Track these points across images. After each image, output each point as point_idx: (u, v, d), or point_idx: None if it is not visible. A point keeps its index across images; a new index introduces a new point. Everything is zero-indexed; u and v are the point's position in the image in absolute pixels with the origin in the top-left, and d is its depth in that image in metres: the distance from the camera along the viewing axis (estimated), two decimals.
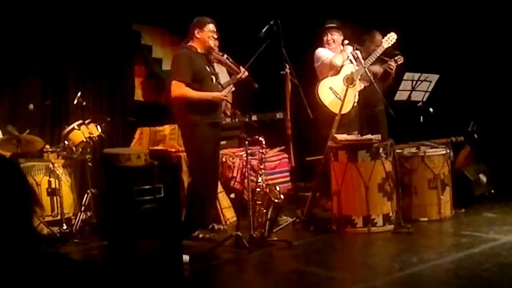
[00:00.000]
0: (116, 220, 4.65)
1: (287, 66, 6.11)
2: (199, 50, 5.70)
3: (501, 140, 7.37)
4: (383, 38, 6.58)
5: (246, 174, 5.64)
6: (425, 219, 6.01)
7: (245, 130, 6.31)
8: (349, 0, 7.82)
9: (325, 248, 5.37)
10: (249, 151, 5.56)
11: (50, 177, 5.94)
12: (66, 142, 6.05)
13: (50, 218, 5.86)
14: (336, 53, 6.56)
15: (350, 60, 6.51)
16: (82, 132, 5.99)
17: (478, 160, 7.13)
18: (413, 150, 6.23)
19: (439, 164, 6.12)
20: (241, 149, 6.50)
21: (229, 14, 7.73)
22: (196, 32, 5.67)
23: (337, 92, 6.40)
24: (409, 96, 6.78)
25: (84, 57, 7.35)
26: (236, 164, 6.49)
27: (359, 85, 6.52)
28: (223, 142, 6.30)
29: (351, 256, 5.24)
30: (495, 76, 7.44)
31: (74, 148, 6.06)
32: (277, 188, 5.47)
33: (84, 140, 5.99)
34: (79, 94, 6.28)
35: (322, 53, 6.65)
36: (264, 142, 5.48)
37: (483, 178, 6.75)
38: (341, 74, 6.48)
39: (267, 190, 5.35)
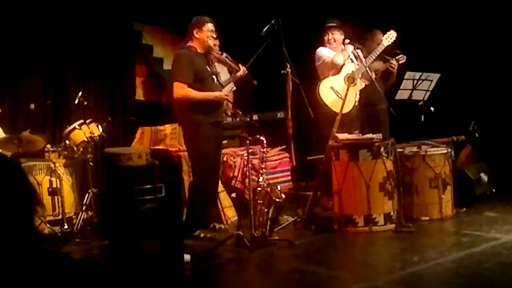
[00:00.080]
0: (117, 219, 4.65)
1: (288, 66, 6.11)
2: (198, 50, 5.69)
3: (502, 139, 7.37)
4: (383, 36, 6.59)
5: (247, 173, 5.64)
6: (426, 218, 6.01)
7: (246, 130, 6.31)
8: None
9: (326, 248, 5.37)
10: (250, 151, 5.57)
11: (51, 177, 5.95)
12: (67, 142, 6.05)
13: (51, 218, 5.87)
14: (337, 52, 6.57)
15: (351, 59, 6.51)
16: (83, 131, 5.99)
17: (479, 159, 7.13)
18: (414, 149, 6.23)
19: (440, 163, 6.12)
20: (242, 148, 6.50)
21: (230, 13, 7.74)
22: (195, 32, 5.67)
23: (338, 91, 6.40)
24: (410, 95, 6.78)
25: (85, 56, 7.36)
26: (237, 164, 6.49)
27: (360, 84, 6.52)
28: (224, 142, 6.30)
29: (352, 255, 5.24)
30: (496, 75, 7.44)
31: (75, 148, 6.06)
32: (278, 187, 5.46)
33: (85, 139, 5.99)
34: (80, 93, 6.29)
35: (323, 52, 6.65)
36: (265, 142, 5.49)
37: (484, 177, 6.75)
38: (342, 74, 6.49)
39: (268, 189, 5.35)
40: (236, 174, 6.48)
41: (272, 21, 6.04)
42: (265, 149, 5.56)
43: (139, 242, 4.47)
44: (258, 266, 5.03)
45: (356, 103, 6.53)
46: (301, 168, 6.79)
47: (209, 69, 5.77)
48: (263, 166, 5.52)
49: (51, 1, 6.96)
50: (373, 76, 6.51)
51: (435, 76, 6.77)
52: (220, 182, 6.20)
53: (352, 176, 5.68)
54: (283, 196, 5.34)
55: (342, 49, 6.56)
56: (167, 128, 6.87)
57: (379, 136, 5.87)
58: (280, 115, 7.07)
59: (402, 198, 5.86)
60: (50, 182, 5.92)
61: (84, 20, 7.21)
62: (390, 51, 6.82)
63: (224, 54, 6.08)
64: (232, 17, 7.78)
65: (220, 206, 6.21)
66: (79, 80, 7.31)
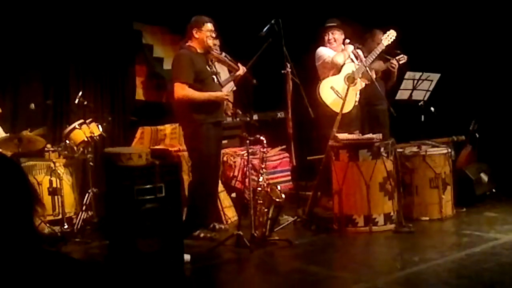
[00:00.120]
0: (117, 219, 4.65)
1: (288, 65, 6.11)
2: (198, 50, 5.69)
3: (502, 139, 7.36)
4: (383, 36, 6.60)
5: (247, 173, 5.64)
6: (426, 218, 6.01)
7: (246, 130, 6.32)
8: None
9: (326, 248, 5.37)
10: (250, 151, 5.57)
11: (51, 177, 5.95)
12: (67, 142, 6.05)
13: (51, 218, 5.87)
14: (337, 52, 6.57)
15: (351, 59, 6.51)
16: (83, 131, 5.99)
17: (479, 159, 7.13)
18: (414, 149, 6.23)
19: (440, 163, 6.12)
20: (242, 148, 6.50)
21: (230, 13, 7.74)
22: (194, 32, 5.67)
23: (338, 91, 6.40)
24: (410, 95, 6.78)
25: (85, 56, 7.36)
26: (237, 164, 6.49)
27: (360, 84, 6.51)
28: (224, 142, 6.30)
29: (352, 255, 5.23)
30: (496, 75, 7.44)
31: (75, 148, 6.07)
32: (278, 187, 5.46)
33: (85, 139, 5.99)
34: (80, 93, 6.29)
35: (323, 52, 6.65)
36: (265, 141, 5.48)
37: (484, 177, 6.74)
38: (342, 73, 6.49)
39: (268, 189, 5.35)
40: (236, 174, 6.48)
41: (272, 21, 6.04)
42: (265, 149, 5.56)
43: (139, 242, 4.47)
44: (258, 266, 5.03)
45: (356, 103, 6.54)
46: (301, 168, 6.79)
47: (209, 69, 5.77)
48: (263, 166, 5.52)
49: (51, 1, 6.96)
50: (373, 76, 6.51)
51: (435, 76, 6.77)
52: (220, 182, 6.20)
53: (352, 176, 5.68)
54: (283, 196, 5.34)
55: (342, 49, 6.56)
56: (167, 128, 6.87)
57: (379, 136, 5.88)
58: (280, 115, 7.07)
59: (402, 198, 5.86)
60: (50, 182, 5.92)
61: (84, 20, 7.21)
62: (390, 51, 6.82)
63: (223, 54, 6.08)
64: (232, 17, 7.78)
65: (220, 206, 6.21)
66: (79, 79, 7.32)
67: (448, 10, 7.56)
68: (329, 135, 5.98)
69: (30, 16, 6.81)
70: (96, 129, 6.09)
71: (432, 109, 6.88)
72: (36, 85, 7.00)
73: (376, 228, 5.61)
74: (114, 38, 7.56)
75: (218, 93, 5.70)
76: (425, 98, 6.84)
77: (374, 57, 6.52)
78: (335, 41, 6.67)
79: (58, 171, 5.98)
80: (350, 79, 6.42)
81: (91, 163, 6.12)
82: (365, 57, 6.43)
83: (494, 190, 6.90)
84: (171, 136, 6.82)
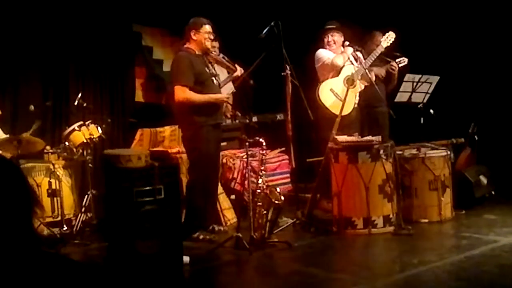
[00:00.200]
0: (117, 221, 4.65)
1: (288, 68, 6.11)
2: (196, 52, 5.69)
3: (501, 142, 7.37)
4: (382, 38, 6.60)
5: (247, 175, 5.64)
6: (426, 220, 6.01)
7: (246, 132, 6.30)
8: (349, 1, 7.83)
9: (326, 250, 5.37)
10: (249, 153, 5.56)
11: (50, 178, 5.94)
12: (66, 143, 6.05)
13: (51, 219, 5.86)
14: (336, 54, 6.57)
15: (351, 61, 6.52)
16: (82, 133, 5.99)
17: (479, 162, 7.13)
18: (414, 151, 6.23)
19: (440, 166, 6.12)
20: (241, 150, 6.50)
21: (229, 15, 7.74)
22: (192, 33, 5.66)
23: (337, 93, 6.41)
24: (410, 97, 6.77)
25: (85, 58, 7.37)
26: (237, 166, 6.49)
27: (359, 86, 6.52)
28: (223, 143, 6.31)
29: (352, 257, 5.23)
30: (495, 78, 7.44)
31: (74, 149, 6.07)
32: (278, 189, 5.46)
33: (85, 141, 5.99)
34: (79, 95, 6.28)
35: (323, 53, 6.65)
36: (264, 144, 5.48)
37: (483, 179, 6.74)
38: (341, 76, 6.49)
39: (268, 191, 5.35)
40: (235, 176, 6.48)
41: (272, 23, 6.05)
42: (264, 151, 5.55)
43: (138, 244, 4.47)
44: (257, 268, 5.03)
45: (356, 105, 6.54)
46: (301, 170, 6.79)
47: (208, 70, 5.77)
48: (262, 168, 5.52)
49: (51, 2, 6.96)
50: (373, 78, 6.52)
51: (435, 79, 6.77)
52: (219, 184, 6.20)
53: (351, 178, 5.68)
54: (283, 198, 5.33)
55: (342, 51, 6.57)
56: (167, 129, 6.87)
57: (378, 138, 5.88)
58: (279, 117, 7.07)
59: (401, 201, 5.86)
60: (50, 183, 5.91)
61: (84, 22, 7.22)
62: (390, 54, 6.83)
63: (221, 55, 6.09)
64: (232, 19, 7.79)
65: (219, 208, 6.21)
66: (79, 81, 7.32)
67: (448, 13, 7.57)
68: (328, 137, 5.99)
69: (30, 17, 6.81)
70: (95, 131, 6.09)
71: (432, 111, 6.88)
72: (35, 86, 7.01)
73: (375, 230, 5.61)
74: (113, 40, 7.56)
75: (218, 95, 5.70)
76: (425, 101, 6.84)
77: (373, 59, 6.53)
78: (334, 43, 6.68)
79: (57, 173, 5.98)
80: (350, 81, 6.43)
81: (90, 165, 6.11)
82: (364, 59, 6.43)
83: (493, 193, 6.90)
84: (170, 138, 6.82)
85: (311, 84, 6.57)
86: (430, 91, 6.82)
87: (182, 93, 5.51)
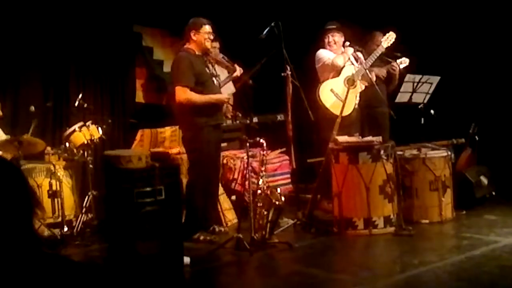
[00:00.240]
0: (117, 222, 4.65)
1: (288, 68, 6.11)
2: (197, 52, 5.69)
3: (502, 142, 7.36)
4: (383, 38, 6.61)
5: (247, 176, 5.64)
6: (426, 221, 6.01)
7: (246, 132, 6.30)
8: (350, 1, 7.83)
9: (326, 250, 5.37)
10: (250, 153, 5.56)
11: (51, 179, 5.94)
12: (67, 144, 6.05)
13: (51, 220, 5.85)
14: (337, 54, 6.57)
15: (351, 61, 6.52)
16: (83, 134, 5.99)
17: (479, 162, 7.12)
18: (414, 152, 6.23)
19: (440, 166, 6.12)
20: (242, 151, 6.50)
21: (230, 16, 7.74)
22: (192, 34, 5.66)
23: (338, 94, 6.41)
24: (410, 98, 6.77)
25: (85, 59, 7.37)
26: (237, 166, 6.49)
27: (360, 86, 6.52)
28: (224, 144, 6.30)
29: (352, 258, 5.23)
30: (496, 78, 7.44)
31: (75, 150, 6.06)
32: (278, 190, 5.47)
33: (85, 142, 5.99)
34: (80, 96, 6.28)
35: (323, 54, 6.66)
36: (265, 144, 5.48)
37: (484, 180, 6.74)
38: (341, 76, 6.49)
39: (268, 192, 5.35)
40: (236, 176, 6.48)
41: (272, 24, 6.04)
42: (265, 152, 5.56)
43: (138, 245, 4.46)
44: (258, 269, 5.03)
45: (356, 106, 6.54)
46: (301, 171, 6.78)
47: (208, 71, 5.77)
48: (263, 168, 5.52)
49: (52, 3, 6.97)
50: (373, 78, 6.52)
51: (435, 79, 6.77)
52: (220, 184, 6.20)
53: (352, 179, 5.68)
54: (283, 198, 5.34)
55: (342, 52, 6.57)
56: (167, 130, 6.87)
57: (379, 139, 5.88)
58: (280, 117, 7.05)
59: (402, 201, 5.86)
60: (50, 184, 5.91)
61: (84, 23, 7.22)
62: (391, 54, 6.83)
63: (221, 55, 6.09)
64: (232, 19, 7.79)
65: (220, 209, 6.21)
66: (79, 82, 7.32)
67: (448, 13, 7.56)
68: (329, 138, 5.98)
69: (30, 18, 6.82)
70: (96, 132, 6.09)
71: (432, 111, 6.88)
72: (36, 87, 7.01)
73: (376, 231, 5.61)
74: (114, 41, 7.57)
75: (218, 96, 5.70)
76: (425, 101, 6.84)
77: (373, 59, 6.53)
78: (335, 43, 6.68)
79: (58, 174, 5.97)
80: (350, 82, 6.43)
81: (91, 166, 6.11)
82: (365, 59, 6.43)
83: (494, 193, 6.89)
84: (171, 138, 6.83)
85: (312, 85, 6.57)
86: (430, 91, 6.82)
87: (183, 94, 5.51)
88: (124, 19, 7.66)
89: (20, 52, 6.80)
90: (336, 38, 6.68)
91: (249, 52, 7.00)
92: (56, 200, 5.90)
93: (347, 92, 6.26)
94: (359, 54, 6.50)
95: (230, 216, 6.35)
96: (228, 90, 6.51)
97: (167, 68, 7.69)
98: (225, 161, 6.49)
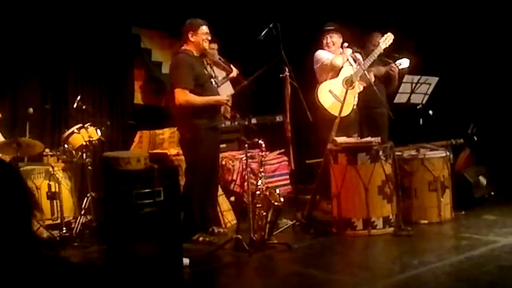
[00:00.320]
0: (116, 223, 4.65)
1: (287, 69, 6.11)
2: (195, 53, 5.69)
3: (500, 142, 7.37)
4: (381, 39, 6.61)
5: (246, 177, 5.64)
6: (425, 221, 6.01)
7: (245, 133, 6.32)
8: (348, 2, 7.83)
9: (325, 251, 5.37)
10: (248, 154, 5.56)
11: (50, 181, 5.93)
12: (66, 146, 6.05)
13: (50, 222, 5.85)
14: (335, 55, 6.58)
15: (350, 62, 6.52)
16: (81, 135, 5.99)
17: (478, 163, 7.13)
18: (413, 152, 6.23)
19: (439, 167, 6.12)
20: (241, 152, 6.50)
21: (228, 17, 7.75)
22: (190, 35, 5.65)
23: (336, 94, 6.41)
24: (409, 98, 6.78)
25: (84, 60, 7.37)
26: (236, 167, 6.49)
27: (358, 87, 6.52)
28: (222, 145, 6.30)
29: (351, 258, 5.23)
30: (494, 79, 7.45)
31: (74, 152, 6.06)
32: (277, 191, 5.46)
33: (84, 143, 5.99)
34: (78, 97, 6.29)
35: (322, 54, 6.66)
36: (263, 145, 5.48)
37: (483, 180, 6.74)
38: (340, 77, 6.50)
39: (267, 193, 5.35)
40: (235, 177, 6.47)
41: (271, 25, 6.05)
42: (263, 153, 5.56)
43: (137, 246, 4.46)
44: (257, 270, 5.03)
45: (355, 107, 6.54)
46: (300, 172, 6.79)
47: (206, 72, 5.77)
48: (261, 169, 5.51)
49: (50, 5, 6.97)
50: (372, 79, 6.52)
51: (434, 80, 6.78)
52: (219, 185, 6.20)
53: (350, 180, 5.68)
54: (282, 199, 5.33)
55: (340, 53, 6.57)
56: (166, 132, 6.87)
57: (377, 139, 5.88)
58: (278, 118, 7.06)
59: (401, 202, 5.86)
60: (49, 186, 5.90)
61: (82, 24, 7.22)
62: (390, 55, 6.83)
63: (217, 56, 6.09)
64: (231, 21, 7.79)
65: (219, 210, 6.21)
66: (78, 84, 7.33)
67: (447, 13, 7.57)
68: (327, 139, 5.99)
69: (29, 21, 6.82)
70: (94, 133, 6.09)
71: (431, 112, 6.89)
72: (34, 89, 7.01)
73: (375, 231, 5.61)
74: (112, 43, 7.57)
75: (218, 97, 5.70)
76: (424, 102, 6.85)
77: (372, 60, 6.53)
78: (333, 44, 6.69)
79: (57, 176, 5.97)
80: (348, 82, 6.43)
81: (89, 167, 6.11)
82: (363, 60, 6.44)
83: (492, 193, 6.90)
84: (169, 140, 6.83)
85: (310, 86, 6.58)
86: (429, 92, 6.83)
87: (183, 96, 5.50)
88: (123, 20, 7.66)
89: (18, 54, 6.80)
90: (335, 39, 6.69)
91: (247, 54, 7.01)
92: (55, 201, 5.90)
93: (346, 93, 6.26)
94: (358, 55, 6.51)
95: (229, 217, 6.35)
96: (227, 92, 6.51)
97: (165, 69, 7.69)
98: (223, 162, 6.49)
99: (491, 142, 7.31)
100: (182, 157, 6.10)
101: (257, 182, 5.43)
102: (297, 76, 6.26)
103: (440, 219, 6.00)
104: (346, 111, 6.29)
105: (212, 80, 5.79)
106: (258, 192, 5.36)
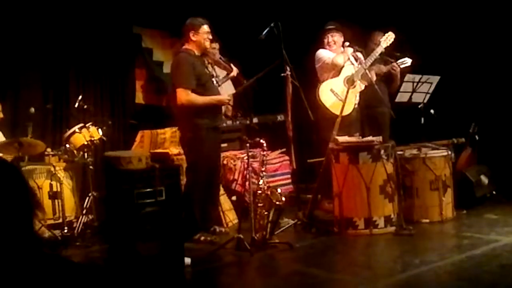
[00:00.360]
0: (118, 223, 4.65)
1: (288, 68, 6.11)
2: (196, 53, 5.68)
3: (502, 142, 7.36)
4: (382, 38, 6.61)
5: (248, 176, 5.64)
6: (427, 220, 6.01)
7: (246, 133, 6.32)
8: (349, 1, 7.83)
9: (327, 250, 5.37)
10: (250, 154, 5.56)
11: (51, 181, 5.94)
12: (67, 145, 6.05)
13: (52, 221, 5.86)
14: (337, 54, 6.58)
15: (351, 61, 6.52)
16: (83, 135, 5.99)
17: (480, 162, 7.12)
18: (414, 151, 6.23)
19: (441, 166, 6.12)
20: (242, 151, 6.50)
21: (229, 16, 7.75)
22: (191, 34, 5.65)
23: (338, 93, 6.41)
24: (410, 97, 6.77)
25: (85, 60, 7.37)
26: (238, 167, 6.49)
27: (360, 86, 6.52)
28: (224, 145, 6.31)
29: (353, 258, 5.23)
30: (496, 78, 7.44)
31: (75, 151, 6.06)
32: (279, 190, 5.46)
33: (85, 143, 5.99)
34: (80, 97, 6.29)
35: (323, 53, 6.66)
36: (265, 144, 5.48)
37: (484, 179, 6.74)
38: (341, 76, 6.50)
39: (269, 192, 5.35)
40: (236, 177, 6.47)
41: (272, 24, 6.04)
42: (265, 152, 5.55)
43: (139, 246, 4.46)
44: (259, 269, 5.03)
45: (356, 106, 6.55)
46: (302, 171, 6.78)
47: (207, 71, 5.77)
48: (263, 169, 5.51)
49: (51, 5, 6.97)
50: (373, 78, 6.52)
51: (435, 79, 6.77)
52: (220, 185, 6.20)
53: (352, 179, 5.68)
54: (284, 199, 5.33)
55: (342, 52, 6.57)
56: (167, 131, 6.87)
57: (379, 138, 5.87)
58: (280, 118, 7.07)
59: (402, 201, 5.86)
60: (51, 185, 5.91)
61: (84, 24, 7.22)
62: (392, 54, 6.83)
63: (218, 55, 6.09)
64: (232, 20, 7.79)
65: (220, 209, 6.21)
66: (79, 83, 7.33)
67: (448, 12, 7.57)
68: (329, 138, 5.99)
69: (30, 20, 6.82)
70: (96, 133, 6.09)
71: (432, 111, 6.88)
72: (36, 89, 7.01)
73: (377, 230, 5.61)
74: (114, 42, 7.57)
75: (219, 97, 5.70)
76: (425, 101, 6.84)
77: (373, 59, 6.52)
78: (334, 43, 6.69)
79: (58, 175, 5.98)
80: (350, 81, 6.43)
81: (91, 167, 6.12)
82: (365, 59, 6.43)
83: (494, 192, 6.89)
84: (171, 139, 6.82)
85: (311, 85, 6.57)
86: (430, 91, 6.82)
87: (185, 95, 5.49)
88: (124, 20, 7.66)
89: (20, 53, 6.80)
90: (336, 38, 6.69)
91: (249, 53, 7.00)
92: (56, 201, 5.91)
93: (347, 92, 6.26)
94: (359, 54, 6.50)
95: (230, 217, 6.35)
96: (228, 91, 6.51)
97: (167, 69, 7.70)
98: (225, 162, 6.49)
99: (493, 141, 7.30)
100: (184, 157, 6.10)
101: (259, 181, 5.43)
102: (299, 75, 6.26)
103: (441, 218, 6.00)
104: (347, 110, 6.29)
105: (213, 79, 5.79)
106: (259, 192, 5.36)
